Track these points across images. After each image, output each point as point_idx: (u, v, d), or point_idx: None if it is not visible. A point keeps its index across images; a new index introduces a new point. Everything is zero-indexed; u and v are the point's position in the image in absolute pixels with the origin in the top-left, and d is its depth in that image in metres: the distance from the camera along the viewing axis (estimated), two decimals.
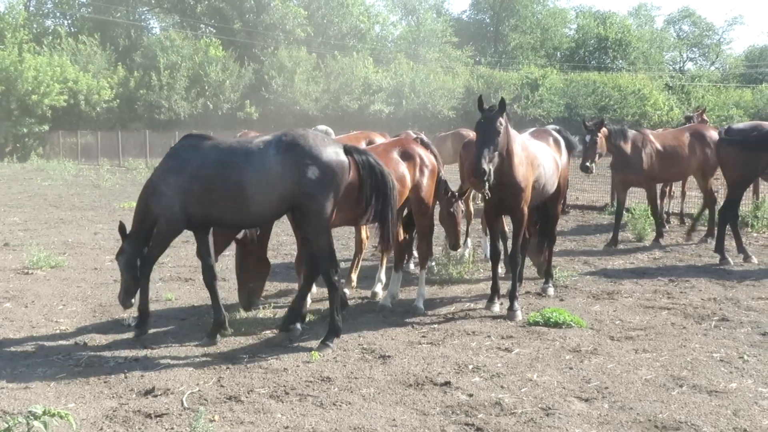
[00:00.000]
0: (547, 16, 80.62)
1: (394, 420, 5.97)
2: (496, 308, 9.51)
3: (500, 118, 8.43)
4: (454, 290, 10.77)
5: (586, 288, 10.83)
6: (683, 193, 17.33)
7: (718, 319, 9.14)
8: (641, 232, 14.90)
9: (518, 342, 8.16)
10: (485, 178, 8.30)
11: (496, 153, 8.41)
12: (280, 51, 57.36)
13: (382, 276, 10.53)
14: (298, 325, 8.47)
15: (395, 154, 9.26)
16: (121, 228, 8.40)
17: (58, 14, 64.27)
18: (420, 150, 9.50)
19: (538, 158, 9.54)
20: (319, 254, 7.87)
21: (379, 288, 10.35)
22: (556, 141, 10.38)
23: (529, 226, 10.37)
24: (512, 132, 8.91)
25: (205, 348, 7.86)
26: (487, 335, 8.42)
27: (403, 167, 9.19)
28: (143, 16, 67.15)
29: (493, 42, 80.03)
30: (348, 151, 7.83)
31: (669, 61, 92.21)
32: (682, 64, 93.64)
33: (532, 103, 61.44)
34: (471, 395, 6.51)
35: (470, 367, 7.29)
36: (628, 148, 13.96)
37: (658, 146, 14.25)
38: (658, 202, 16.88)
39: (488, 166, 8.25)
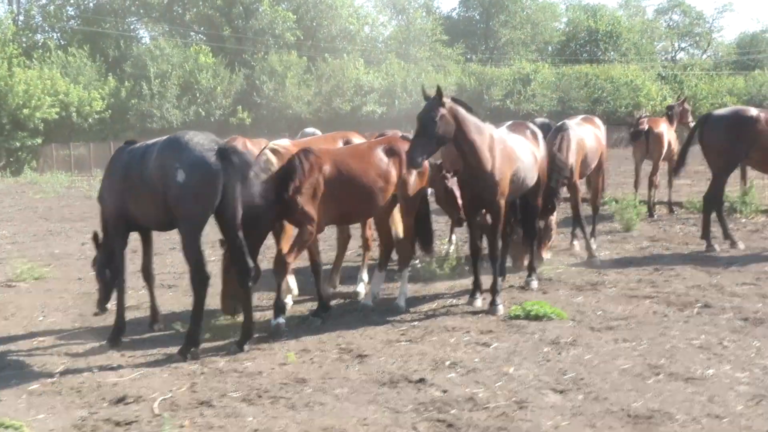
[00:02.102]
0: (536, 10, 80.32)
1: (365, 419, 5.92)
2: (478, 303, 9.45)
3: (439, 108, 8.38)
4: (437, 287, 10.69)
5: (570, 280, 10.77)
6: (670, 182, 17.25)
7: (700, 306, 9.09)
8: (629, 222, 14.83)
9: (497, 336, 8.10)
10: (418, 168, 8.62)
11: (434, 142, 8.42)
12: (271, 55, 57.19)
13: (364, 276, 10.48)
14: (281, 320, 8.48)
15: (380, 151, 9.22)
16: (95, 237, 8.50)
17: (47, 28, 64.13)
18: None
19: (515, 151, 9.49)
20: (187, 260, 7.72)
21: (361, 287, 10.29)
22: (533, 133, 10.29)
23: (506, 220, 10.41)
24: (472, 122, 8.79)
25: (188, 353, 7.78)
26: (467, 331, 8.36)
27: (388, 164, 9.13)
28: (132, 26, 67.02)
29: (484, 39, 79.88)
30: (224, 154, 7.46)
31: (661, 52, 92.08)
32: (674, 54, 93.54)
33: (525, 98, 61.25)
34: (445, 391, 6.46)
35: (447, 363, 7.23)
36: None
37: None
38: (647, 191, 16.91)
39: (421, 157, 8.31)
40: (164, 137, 7.89)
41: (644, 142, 16.52)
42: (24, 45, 57.07)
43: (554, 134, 11.63)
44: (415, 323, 8.80)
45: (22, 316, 9.78)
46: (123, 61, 56.42)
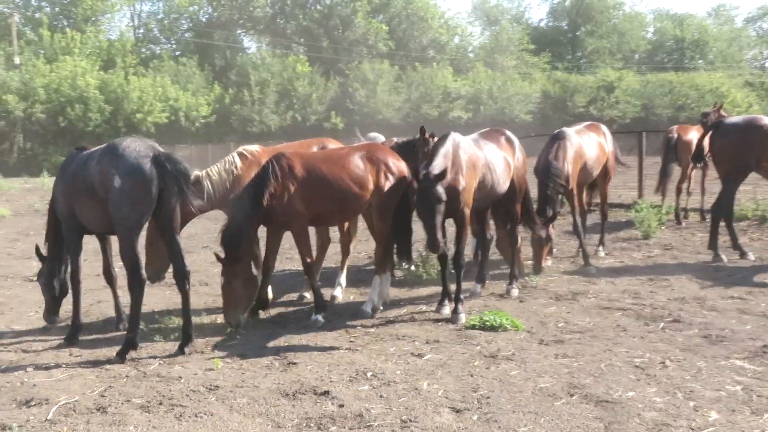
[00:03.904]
0: (623, 20, 77.39)
1: None
2: (446, 311, 8.81)
3: (439, 186, 7.78)
4: (420, 292, 10.08)
5: (554, 288, 9.98)
6: (702, 189, 16.02)
7: (669, 321, 8.23)
8: (647, 230, 13.80)
9: (438, 347, 7.43)
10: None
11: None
12: (364, 64, 57.14)
13: (342, 280, 9.94)
14: None
15: (356, 157, 8.73)
16: (37, 250, 8.32)
17: (162, 39, 65.66)
18: (387, 156, 8.90)
19: (482, 159, 8.82)
20: (124, 263, 7.29)
21: (338, 291, 9.76)
22: (508, 140, 9.56)
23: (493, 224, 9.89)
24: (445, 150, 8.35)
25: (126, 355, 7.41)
26: (413, 340, 7.72)
27: (364, 170, 8.65)
28: (240, 37, 67.82)
29: (571, 47, 77.54)
30: (157, 161, 7.09)
31: (750, 60, 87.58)
32: (763, 62, 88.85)
33: (608, 105, 59.59)
34: (342, 406, 5.87)
35: (368, 374, 6.63)
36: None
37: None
38: (675, 197, 15.72)
39: (444, 239, 7.91)
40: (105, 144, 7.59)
41: (673, 149, 15.31)
42: (142, 56, 58.65)
43: (551, 142, 10.89)
44: (371, 330, 8.22)
45: (18, 311, 9.66)
46: (228, 69, 57.25)
